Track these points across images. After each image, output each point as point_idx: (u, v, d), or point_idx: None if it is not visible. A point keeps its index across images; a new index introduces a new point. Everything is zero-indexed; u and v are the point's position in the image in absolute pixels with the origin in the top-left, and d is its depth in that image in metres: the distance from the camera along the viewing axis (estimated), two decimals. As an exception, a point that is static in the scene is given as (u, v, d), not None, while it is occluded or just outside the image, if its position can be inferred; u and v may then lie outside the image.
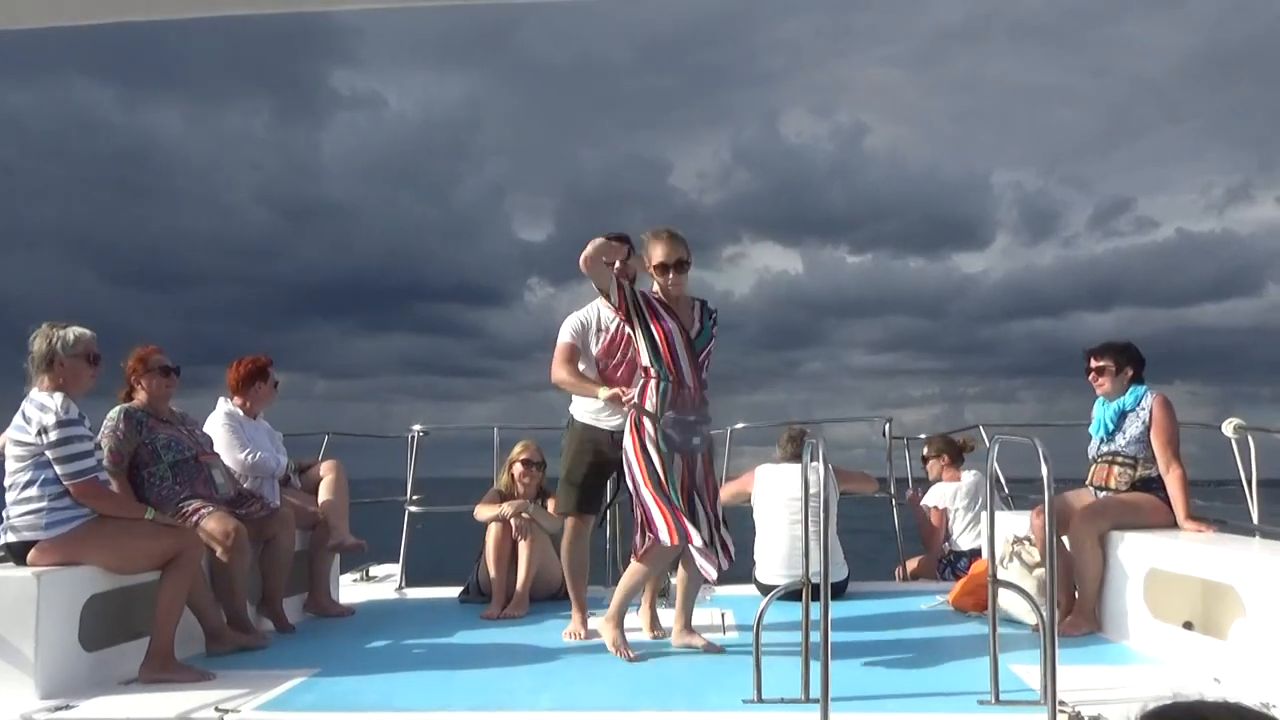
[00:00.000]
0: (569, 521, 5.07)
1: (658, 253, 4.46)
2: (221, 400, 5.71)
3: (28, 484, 3.96)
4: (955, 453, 7.40)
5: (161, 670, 3.99)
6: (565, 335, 4.93)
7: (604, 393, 4.56)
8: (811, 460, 3.84)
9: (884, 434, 7.54)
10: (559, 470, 5.15)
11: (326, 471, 5.99)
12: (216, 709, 3.44)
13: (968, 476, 7.23)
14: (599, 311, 4.95)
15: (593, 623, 4.89)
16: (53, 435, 3.93)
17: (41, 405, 3.99)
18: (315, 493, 5.91)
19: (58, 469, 3.96)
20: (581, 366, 4.88)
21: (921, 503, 7.37)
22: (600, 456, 4.92)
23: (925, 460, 7.48)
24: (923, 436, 7.96)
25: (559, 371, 4.84)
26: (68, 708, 3.51)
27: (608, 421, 4.88)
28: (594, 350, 4.93)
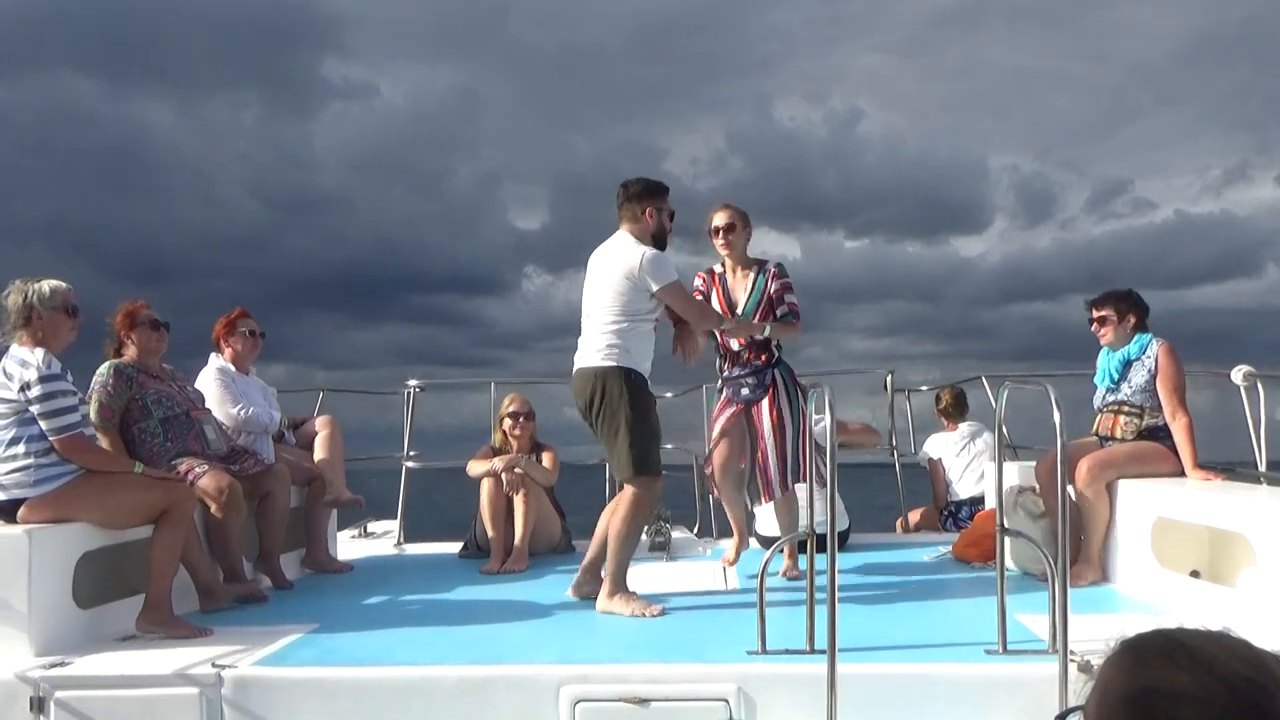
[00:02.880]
0: (648, 483, 4.40)
1: (713, 218, 5.12)
2: (213, 356, 5.62)
3: (13, 441, 3.87)
4: (957, 404, 7.40)
5: (158, 622, 3.95)
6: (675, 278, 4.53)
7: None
8: (817, 411, 3.77)
9: (885, 387, 7.48)
10: (619, 426, 4.33)
11: (321, 427, 5.92)
12: (214, 664, 3.39)
13: (964, 427, 7.22)
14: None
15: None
16: (35, 391, 3.84)
17: (22, 361, 3.89)
18: (310, 449, 5.85)
19: (42, 425, 3.87)
20: None
21: (920, 454, 7.37)
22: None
23: (941, 413, 7.46)
24: (924, 389, 7.91)
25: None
26: (63, 664, 3.47)
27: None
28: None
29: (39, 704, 3.32)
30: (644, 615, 4.20)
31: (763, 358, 5.07)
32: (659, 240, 4.55)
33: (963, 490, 7.03)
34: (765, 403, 5.02)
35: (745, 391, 5.07)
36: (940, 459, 7.22)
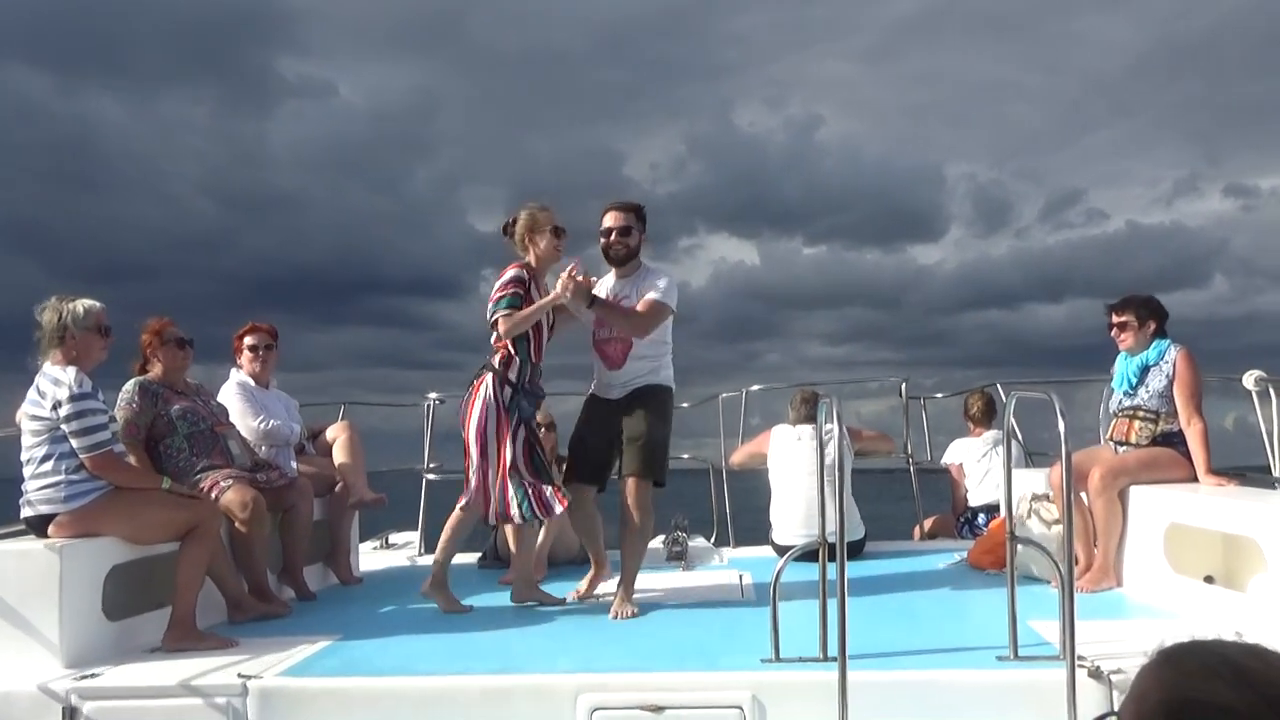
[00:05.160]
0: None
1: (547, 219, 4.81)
2: (234, 371, 5.74)
3: (44, 458, 3.98)
4: (988, 409, 7.41)
5: (184, 639, 4.04)
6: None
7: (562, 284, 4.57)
8: (827, 421, 3.82)
9: (900, 394, 7.51)
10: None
11: (339, 432, 6.02)
12: (240, 675, 3.47)
13: (989, 434, 7.22)
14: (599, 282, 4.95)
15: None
16: (67, 409, 3.94)
17: (55, 379, 3.99)
18: (329, 456, 5.94)
19: (73, 442, 3.97)
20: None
21: (942, 460, 7.39)
22: (595, 425, 4.89)
23: (969, 418, 7.46)
24: (939, 396, 7.93)
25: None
26: (93, 676, 3.56)
27: (607, 393, 4.90)
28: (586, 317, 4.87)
29: (70, 714, 3.41)
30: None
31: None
32: (604, 256, 4.92)
33: (981, 496, 7.03)
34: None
35: (533, 410, 4.80)
36: (961, 464, 7.23)
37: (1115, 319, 5.12)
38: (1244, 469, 4.78)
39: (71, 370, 4.01)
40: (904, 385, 7.47)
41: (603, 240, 4.87)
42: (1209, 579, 4.35)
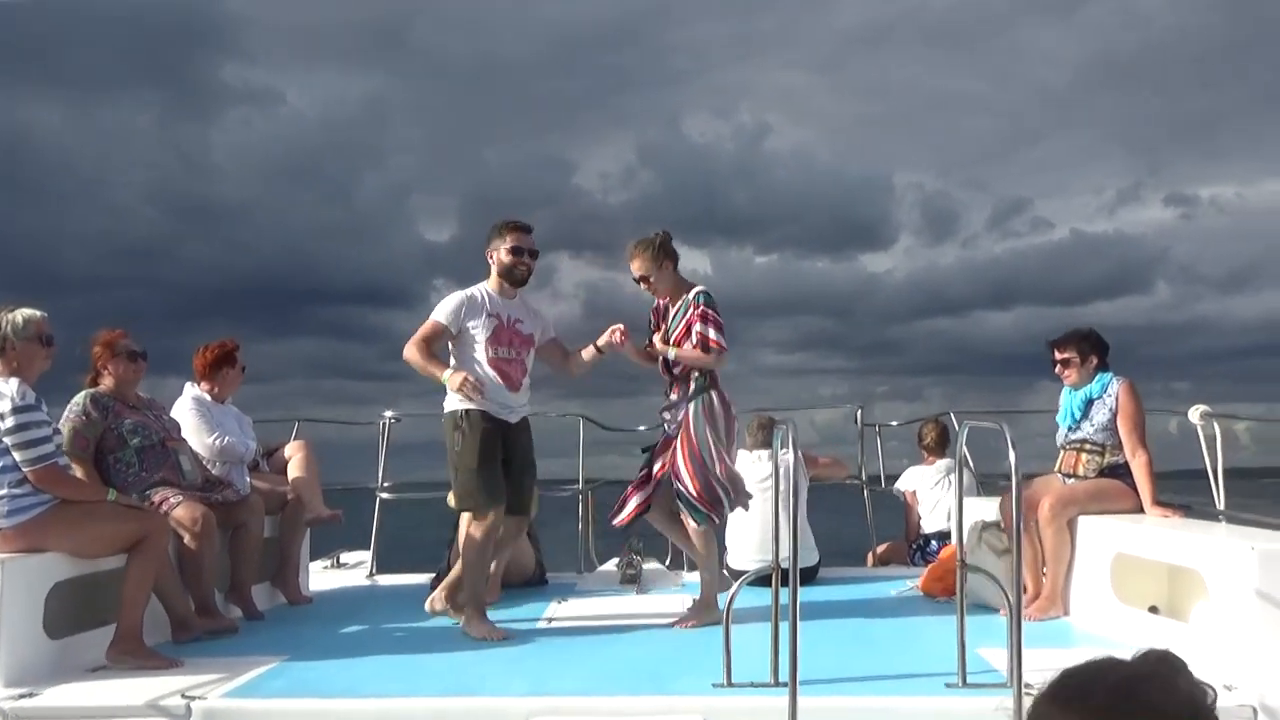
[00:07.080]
0: (482, 517, 4.70)
1: (630, 266, 5.00)
2: (188, 385, 5.64)
3: None
4: (941, 439, 7.49)
5: (129, 653, 3.95)
6: (439, 314, 4.75)
7: (450, 378, 4.56)
8: (782, 447, 3.85)
9: (855, 421, 7.58)
10: (450, 464, 4.77)
11: (295, 451, 5.95)
12: (184, 695, 3.41)
13: (941, 462, 7.31)
14: (487, 295, 4.83)
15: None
16: (9, 422, 3.85)
17: None
18: (284, 474, 5.86)
19: (16, 456, 3.88)
20: (476, 348, 4.76)
21: (895, 487, 7.47)
22: (500, 448, 4.74)
23: (923, 448, 7.54)
24: (894, 424, 8.01)
25: (410, 350, 4.71)
26: (31, 695, 3.47)
27: (507, 415, 4.78)
28: (478, 334, 4.73)
29: None
30: (490, 639, 4.49)
31: (676, 389, 4.89)
32: (507, 276, 4.88)
33: (933, 524, 7.11)
34: (679, 438, 4.80)
35: (666, 428, 4.94)
36: (915, 491, 7.32)
37: (1058, 355, 5.21)
38: (1189, 472, 4.89)
39: (14, 382, 3.92)
40: (859, 413, 7.55)
41: (527, 264, 4.89)
42: (1153, 609, 4.42)
